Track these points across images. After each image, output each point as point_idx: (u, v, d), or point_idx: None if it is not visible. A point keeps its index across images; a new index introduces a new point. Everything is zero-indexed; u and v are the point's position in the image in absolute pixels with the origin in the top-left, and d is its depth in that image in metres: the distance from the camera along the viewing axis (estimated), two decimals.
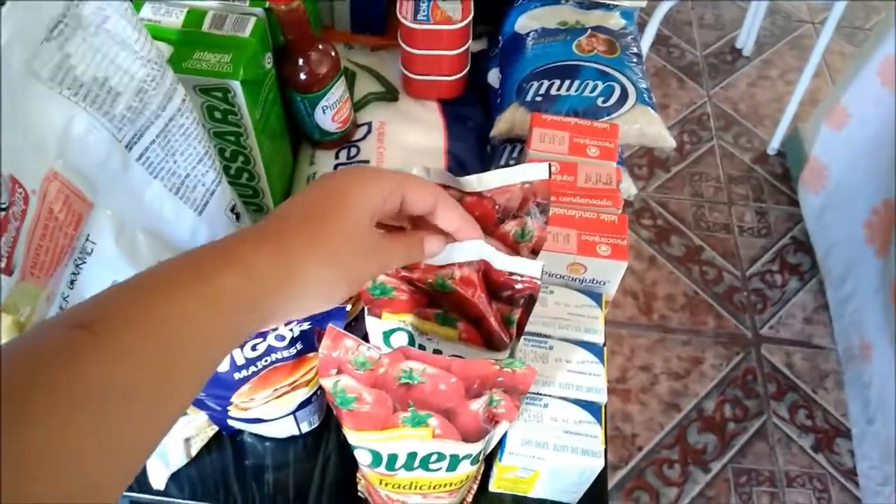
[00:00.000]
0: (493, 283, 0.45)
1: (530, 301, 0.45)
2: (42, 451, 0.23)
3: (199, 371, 0.30)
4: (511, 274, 0.44)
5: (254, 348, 0.47)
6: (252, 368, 0.48)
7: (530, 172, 0.47)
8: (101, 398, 0.25)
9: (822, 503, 1.41)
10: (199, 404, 0.52)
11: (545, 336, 0.56)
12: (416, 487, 0.49)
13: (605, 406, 0.55)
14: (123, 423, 0.26)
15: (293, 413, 0.54)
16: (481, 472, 0.56)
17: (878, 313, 1.47)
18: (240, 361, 0.47)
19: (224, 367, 0.47)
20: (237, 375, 0.48)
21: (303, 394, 0.52)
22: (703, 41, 2.22)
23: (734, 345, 1.61)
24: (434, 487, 0.49)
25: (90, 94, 0.43)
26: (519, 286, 0.45)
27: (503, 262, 0.44)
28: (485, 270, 0.44)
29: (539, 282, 0.44)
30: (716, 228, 1.80)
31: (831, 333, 1.62)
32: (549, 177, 0.47)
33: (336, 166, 0.70)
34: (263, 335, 0.48)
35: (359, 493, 0.57)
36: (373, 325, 0.48)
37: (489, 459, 0.55)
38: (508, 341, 0.45)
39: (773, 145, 1.93)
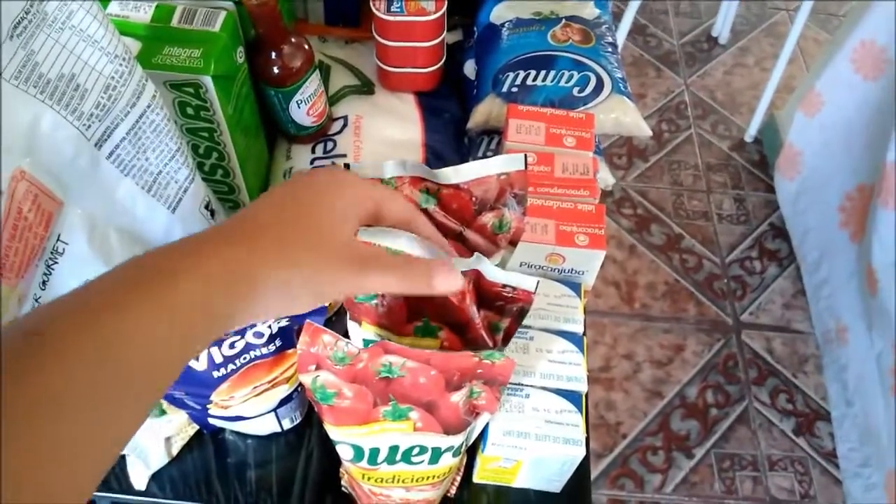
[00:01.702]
0: (485, 293, 0.44)
1: (521, 312, 0.45)
2: None
3: (158, 375, 0.29)
4: (504, 286, 0.44)
5: (232, 346, 0.47)
6: (231, 366, 0.48)
7: (506, 164, 0.47)
8: (51, 406, 0.24)
9: (804, 486, 1.43)
10: (179, 403, 0.52)
11: (526, 327, 0.56)
12: (398, 481, 0.49)
13: (586, 395, 0.55)
14: (80, 430, 0.25)
15: (274, 410, 0.54)
16: (464, 463, 0.56)
17: (853, 297, 1.49)
18: (218, 359, 0.47)
19: (202, 365, 0.46)
20: (216, 374, 0.47)
21: (283, 391, 0.52)
22: (680, 30, 2.23)
23: (715, 331, 1.62)
24: (417, 480, 0.49)
25: (57, 92, 0.42)
26: (511, 297, 0.45)
27: (496, 273, 0.44)
28: (476, 280, 0.44)
29: (534, 294, 0.44)
30: (695, 216, 1.81)
31: (810, 318, 1.64)
32: (525, 168, 0.47)
33: (313, 161, 0.69)
34: (241, 332, 0.47)
35: (342, 488, 0.57)
36: (354, 330, 0.47)
37: (472, 450, 0.55)
38: (493, 347, 0.45)
39: (751, 132, 1.94)
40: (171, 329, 0.29)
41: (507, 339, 0.47)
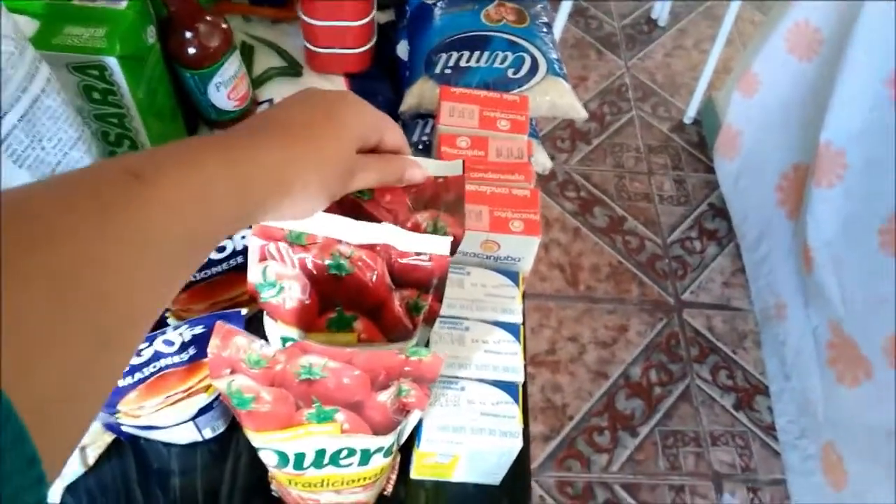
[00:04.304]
0: (399, 272, 0.42)
1: (440, 285, 0.43)
2: (114, 291, 0.24)
3: (216, 232, 0.31)
4: (418, 254, 0.42)
5: (138, 354, 0.44)
6: (138, 375, 0.44)
7: (444, 169, 0.45)
8: (159, 246, 0.27)
9: (745, 459, 1.46)
10: None
11: (462, 318, 0.55)
12: (327, 485, 0.46)
13: (525, 385, 0.53)
14: (169, 269, 0.28)
15: (192, 420, 0.50)
16: (398, 461, 0.54)
17: (791, 273, 1.53)
18: None
19: None
20: (120, 383, 0.44)
21: (201, 400, 0.49)
22: (620, 12, 2.24)
23: (657, 311, 1.64)
24: (347, 483, 0.47)
25: None
26: (427, 268, 0.42)
27: (408, 241, 0.41)
28: (388, 261, 0.42)
29: (448, 257, 0.42)
30: (637, 198, 1.82)
31: (748, 295, 1.68)
32: (464, 173, 0.45)
33: None
34: (150, 339, 0.44)
35: (272, 492, 0.54)
36: (271, 328, 0.44)
37: (408, 446, 0.53)
38: (412, 329, 0.43)
39: (690, 114, 1.97)
40: (231, 193, 0.31)
41: (430, 320, 0.45)
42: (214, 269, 0.52)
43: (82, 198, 0.25)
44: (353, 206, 0.45)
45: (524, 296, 0.60)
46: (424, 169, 0.44)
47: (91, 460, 0.55)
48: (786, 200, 1.57)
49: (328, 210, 0.44)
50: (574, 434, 1.46)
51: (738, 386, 1.56)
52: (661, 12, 2.20)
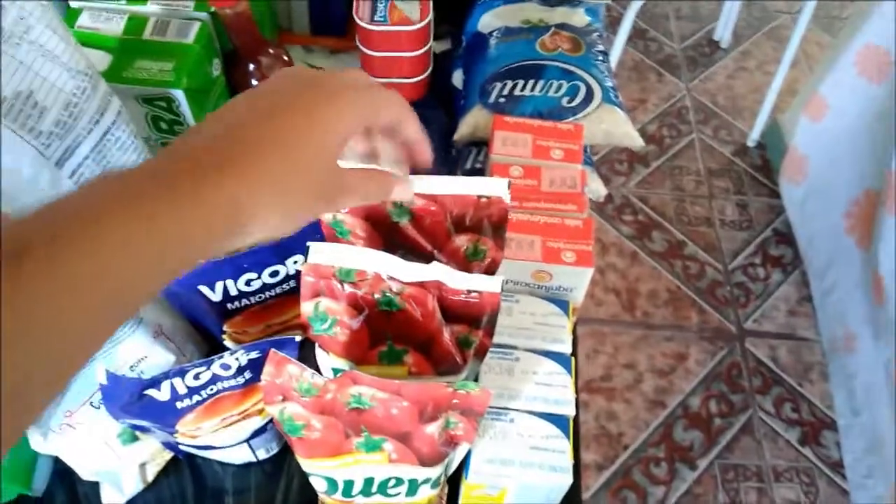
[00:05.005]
0: (450, 307, 0.42)
1: (491, 321, 0.43)
2: None
3: (141, 291, 0.27)
4: (469, 292, 0.42)
5: (196, 377, 0.45)
6: (196, 398, 0.46)
7: (489, 187, 0.45)
8: (35, 333, 0.23)
9: (810, 497, 1.40)
10: (147, 431, 0.50)
11: (511, 347, 0.54)
12: None
13: (576, 418, 0.53)
14: (54, 357, 0.24)
15: (247, 441, 0.51)
16: (446, 491, 0.54)
17: (860, 304, 1.46)
18: (181, 390, 0.45)
19: (165, 395, 0.45)
20: (179, 405, 0.45)
21: (256, 422, 0.50)
22: (681, 34, 2.21)
23: (718, 339, 1.59)
24: None
25: (13, 110, 0.40)
26: (477, 304, 0.42)
27: (459, 280, 0.42)
28: (439, 297, 0.42)
29: (500, 295, 0.42)
30: (697, 222, 1.78)
31: (815, 325, 1.61)
32: (508, 195, 0.45)
33: None
34: (207, 363, 0.45)
35: None
36: (322, 359, 0.45)
37: (457, 477, 0.53)
38: (462, 364, 0.43)
39: (753, 137, 1.92)
40: (155, 251, 0.27)
41: (480, 354, 0.45)
42: (269, 293, 0.54)
43: None
44: (391, 229, 0.45)
45: (577, 321, 0.59)
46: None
47: (150, 477, 0.56)
48: (855, 227, 1.51)
49: (371, 239, 0.44)
50: (630, 464, 1.42)
51: (804, 419, 1.49)
52: (723, 33, 2.16)
